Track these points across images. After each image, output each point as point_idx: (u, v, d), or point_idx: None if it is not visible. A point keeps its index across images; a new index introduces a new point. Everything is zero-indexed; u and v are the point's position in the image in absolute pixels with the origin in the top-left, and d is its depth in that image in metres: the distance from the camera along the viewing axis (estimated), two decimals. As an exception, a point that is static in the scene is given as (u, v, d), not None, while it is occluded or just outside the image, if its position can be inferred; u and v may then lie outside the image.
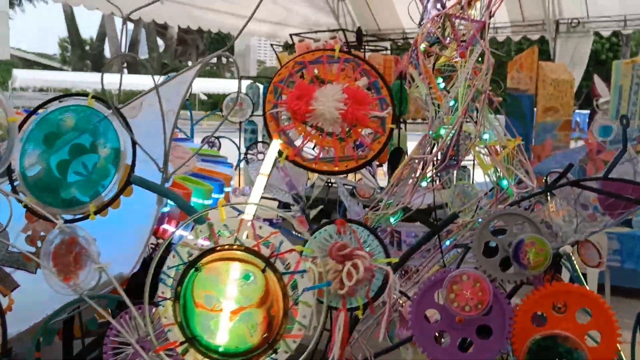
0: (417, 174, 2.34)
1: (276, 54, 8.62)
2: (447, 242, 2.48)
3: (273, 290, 1.70)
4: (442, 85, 2.54)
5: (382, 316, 1.89)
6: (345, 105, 1.87)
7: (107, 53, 51.08)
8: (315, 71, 2.08)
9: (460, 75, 2.33)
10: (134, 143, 2.04)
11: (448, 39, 2.60)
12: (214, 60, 64.42)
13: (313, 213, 3.13)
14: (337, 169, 2.00)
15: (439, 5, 2.83)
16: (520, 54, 7.13)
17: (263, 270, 1.69)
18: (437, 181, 2.96)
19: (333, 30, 7.94)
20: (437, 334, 1.96)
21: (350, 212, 2.70)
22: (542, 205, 2.17)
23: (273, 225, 3.39)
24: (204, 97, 39.89)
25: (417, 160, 2.33)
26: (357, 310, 1.92)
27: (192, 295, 1.71)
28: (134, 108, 2.35)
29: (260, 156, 3.69)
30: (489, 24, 2.78)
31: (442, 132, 2.29)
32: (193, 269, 1.71)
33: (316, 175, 3.25)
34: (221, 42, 50.61)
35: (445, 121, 2.34)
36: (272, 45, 9.56)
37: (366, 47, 8.29)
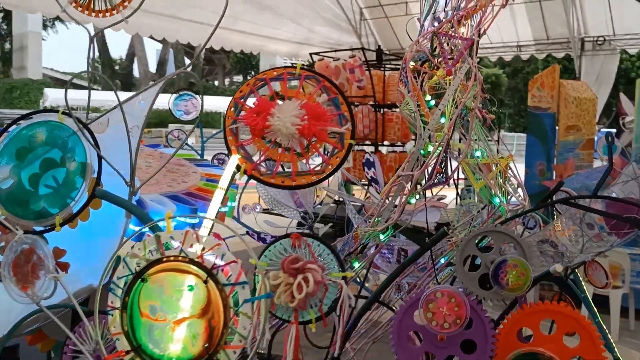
0: (406, 191, 2.31)
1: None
2: (443, 260, 2.44)
3: (214, 301, 1.74)
4: (433, 103, 2.51)
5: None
6: (303, 121, 1.88)
7: (136, 72, 52.23)
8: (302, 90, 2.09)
9: (447, 92, 2.31)
10: (99, 157, 2.13)
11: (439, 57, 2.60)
12: (240, 78, 65.35)
13: (322, 230, 3.12)
14: (294, 183, 2.01)
15: (436, 23, 2.82)
16: (540, 72, 7.04)
17: (205, 282, 1.73)
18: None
19: (353, 49, 7.96)
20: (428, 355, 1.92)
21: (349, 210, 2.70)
22: (548, 224, 2.11)
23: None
24: (229, 115, 40.30)
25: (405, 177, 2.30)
26: (310, 324, 1.93)
27: (139, 305, 1.77)
28: (101, 124, 2.41)
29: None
30: (478, 41, 2.76)
31: (431, 149, 2.26)
32: (139, 280, 1.76)
33: (325, 192, 3.25)
34: (247, 60, 51.34)
35: (434, 138, 2.32)
36: (292, 64, 9.62)
37: (386, 65, 8.29)
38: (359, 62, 7.35)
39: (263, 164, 2.10)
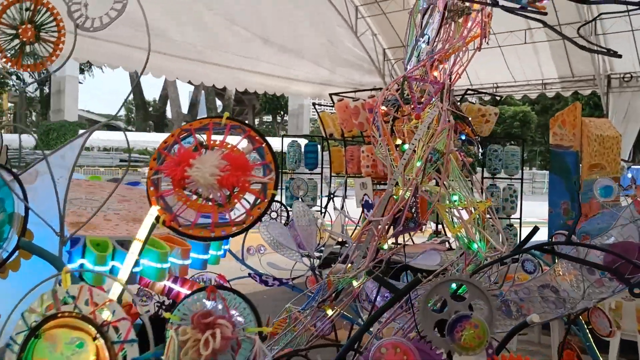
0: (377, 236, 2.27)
1: (317, 114, 8.78)
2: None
3: (103, 359, 1.71)
4: (406, 146, 2.49)
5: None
6: (224, 171, 1.86)
7: (169, 113, 53.59)
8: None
9: (414, 137, 2.29)
10: (26, 208, 2.16)
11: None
12: (270, 118, 66.42)
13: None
14: (213, 234, 1.96)
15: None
16: (561, 111, 6.95)
17: (94, 338, 1.71)
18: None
19: (372, 89, 8.03)
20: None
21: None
22: (549, 267, 2.04)
23: (283, 284, 3.36)
24: (258, 155, 40.89)
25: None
26: None
27: None
28: (31, 174, 2.49)
29: (273, 214, 3.70)
30: (450, 85, 2.74)
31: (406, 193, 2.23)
32: (33, 336, 1.75)
33: (327, 234, 3.22)
34: (276, 101, 52.20)
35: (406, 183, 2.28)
36: (314, 104, 9.75)
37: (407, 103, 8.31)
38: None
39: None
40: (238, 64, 11.13)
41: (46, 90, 42.71)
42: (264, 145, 2.02)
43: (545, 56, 12.94)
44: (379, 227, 2.27)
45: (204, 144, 1.96)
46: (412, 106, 2.84)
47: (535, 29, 12.44)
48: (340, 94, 8.08)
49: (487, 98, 12.96)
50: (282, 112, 58.50)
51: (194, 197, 1.95)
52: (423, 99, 3.00)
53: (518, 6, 2.45)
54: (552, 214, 6.80)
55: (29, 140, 37.37)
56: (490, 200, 2.43)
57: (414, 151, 2.47)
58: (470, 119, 4.01)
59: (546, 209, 6.91)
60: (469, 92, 8.33)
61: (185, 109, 53.31)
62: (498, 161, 7.95)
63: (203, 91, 51.87)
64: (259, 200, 1.97)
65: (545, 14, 2.57)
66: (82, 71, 43.90)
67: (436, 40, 3.51)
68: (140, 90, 50.58)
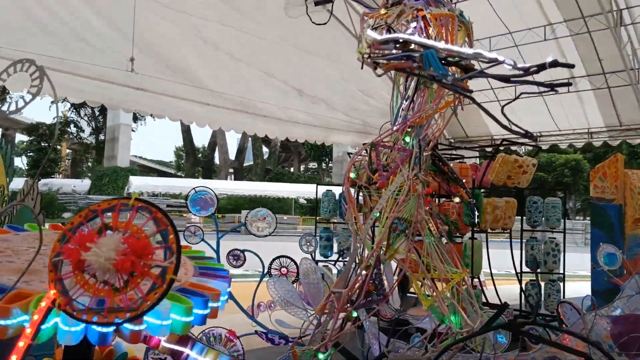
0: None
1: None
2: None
3: None
4: (377, 214, 2.45)
5: None
6: (123, 255, 1.82)
7: (217, 160, 54.86)
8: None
9: (376, 206, 2.25)
10: None
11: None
12: (314, 165, 66.97)
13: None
14: (107, 320, 1.90)
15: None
16: (602, 162, 6.74)
17: None
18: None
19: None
20: None
21: (368, 332, 2.58)
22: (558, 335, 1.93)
23: (290, 343, 3.30)
24: (303, 202, 41.19)
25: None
26: None
27: None
28: None
29: (283, 270, 3.69)
30: (419, 153, 2.70)
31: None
32: None
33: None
34: (321, 148, 52.72)
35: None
36: (349, 154, 9.80)
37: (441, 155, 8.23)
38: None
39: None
40: (278, 114, 11.38)
41: (102, 137, 44.62)
42: (168, 227, 1.98)
43: (590, 105, 12.68)
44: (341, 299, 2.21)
45: (110, 225, 1.96)
46: (377, 174, 2.83)
47: (579, 77, 12.25)
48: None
49: (521, 147, 12.73)
50: (327, 159, 58.94)
51: (93, 280, 1.92)
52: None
53: (449, 82, 2.47)
54: (594, 271, 6.51)
55: (83, 184, 38.90)
56: (466, 271, 2.35)
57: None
58: (464, 180, 3.94)
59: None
60: (504, 142, 8.18)
61: (232, 156, 54.49)
62: (538, 213, 7.71)
63: (250, 138, 53.02)
64: (156, 285, 1.91)
65: (470, 91, 2.59)
66: (135, 119, 45.78)
67: (410, 106, 3.53)
68: (190, 137, 52.10)
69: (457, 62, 2.62)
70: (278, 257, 3.61)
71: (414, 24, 3.77)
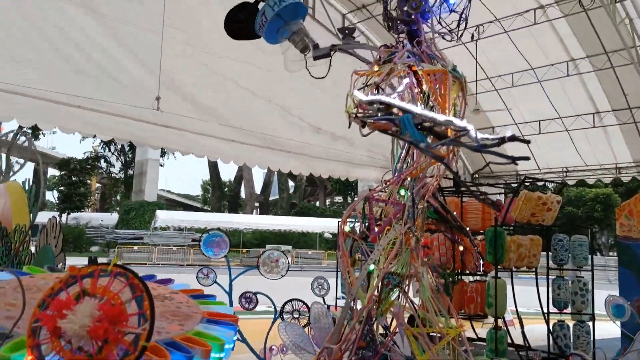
0: None
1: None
2: None
3: None
4: (372, 267, 2.43)
5: None
6: (98, 322, 1.82)
7: (243, 194, 55.26)
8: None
9: (367, 262, 2.23)
10: None
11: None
12: (340, 199, 66.81)
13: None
14: None
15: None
16: (628, 200, 6.59)
17: None
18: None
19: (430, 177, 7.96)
20: None
21: None
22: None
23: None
24: (328, 236, 41.02)
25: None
26: None
27: None
28: None
29: (295, 314, 3.66)
30: (412, 206, 2.67)
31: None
32: None
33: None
34: (347, 182, 52.77)
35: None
36: (370, 189, 9.77)
37: (464, 192, 8.18)
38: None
39: None
40: (300, 149, 11.47)
41: (130, 172, 45.48)
42: (143, 293, 2.00)
43: (617, 140, 12.50)
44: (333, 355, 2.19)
45: (88, 291, 1.97)
46: (370, 228, 2.83)
47: (604, 112, 12.13)
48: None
49: (546, 184, 12.56)
50: (352, 193, 58.92)
51: (68, 346, 1.93)
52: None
53: (423, 148, 2.49)
54: (624, 311, 6.30)
55: (111, 218, 39.51)
56: (462, 327, 2.31)
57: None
58: (468, 229, 3.89)
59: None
60: (527, 179, 8.09)
61: (258, 190, 54.83)
62: (564, 251, 7.55)
63: (275, 172, 53.47)
64: (128, 352, 1.92)
65: (442, 158, 2.61)
66: (163, 154, 46.63)
67: (407, 158, 3.54)
68: (217, 171, 52.72)
69: (431, 128, 2.66)
70: (290, 300, 3.58)
71: (406, 80, 3.80)
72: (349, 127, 3.09)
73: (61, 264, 4.63)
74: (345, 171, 12.86)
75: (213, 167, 51.49)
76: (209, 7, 9.40)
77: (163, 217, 33.13)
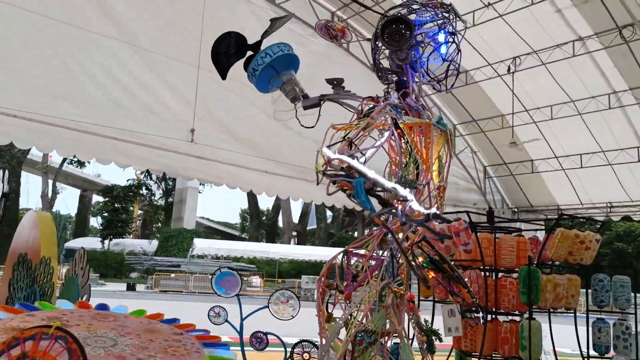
0: None
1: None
2: None
3: None
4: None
5: None
6: None
7: (281, 223, 55.41)
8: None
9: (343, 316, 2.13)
10: None
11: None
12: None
13: None
14: None
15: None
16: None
17: None
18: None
19: (457, 212, 7.79)
20: None
21: None
22: None
23: None
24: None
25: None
26: None
27: None
28: None
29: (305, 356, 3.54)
30: (392, 262, 2.55)
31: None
32: None
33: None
34: (384, 213, 52.22)
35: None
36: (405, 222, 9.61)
37: (497, 227, 7.94)
38: (464, 225, 7.11)
39: None
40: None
41: (171, 199, 46.35)
42: (80, 358, 1.97)
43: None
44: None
45: (27, 354, 1.94)
46: (346, 284, 2.74)
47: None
48: (428, 216, 7.91)
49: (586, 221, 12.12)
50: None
51: None
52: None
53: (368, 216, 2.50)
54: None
55: (151, 246, 40.16)
56: None
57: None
58: (466, 280, 3.72)
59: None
60: (563, 216, 7.80)
61: (296, 219, 54.89)
62: (605, 292, 7.20)
63: (314, 204, 53.42)
64: None
65: (389, 228, 2.53)
66: (202, 182, 47.43)
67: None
68: (255, 200, 53.13)
69: (378, 194, 2.62)
70: (300, 342, 3.49)
71: (387, 133, 3.73)
72: (317, 184, 3.05)
73: (86, 295, 4.67)
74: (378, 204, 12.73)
75: (251, 196, 51.93)
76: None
77: (200, 245, 33.44)
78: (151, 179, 46.65)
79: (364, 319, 2.40)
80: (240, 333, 3.52)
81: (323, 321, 2.37)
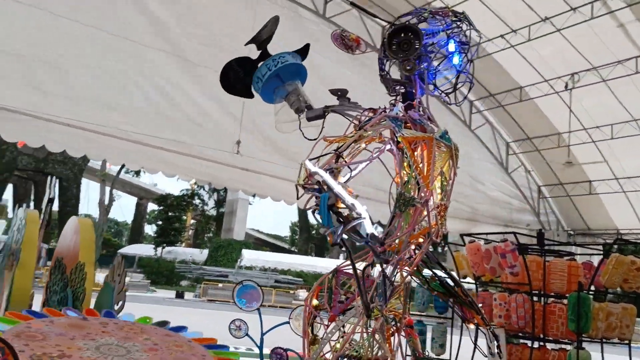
0: None
1: (451, 253, 8.35)
2: None
3: None
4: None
5: None
6: None
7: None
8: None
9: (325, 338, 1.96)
10: None
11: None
12: (430, 248, 64.94)
13: None
14: None
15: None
16: None
17: None
18: None
19: (504, 233, 7.48)
20: None
21: None
22: None
23: None
24: (414, 285, 39.83)
25: None
26: None
27: None
28: None
29: None
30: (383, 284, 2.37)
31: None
32: None
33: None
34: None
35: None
36: (448, 245, 9.35)
37: (547, 250, 7.56)
38: (511, 247, 6.81)
39: None
40: (379, 197, 11.25)
41: (222, 210, 47.06)
42: None
43: None
44: None
45: None
46: (332, 305, 2.59)
47: None
48: (473, 236, 7.65)
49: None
50: (441, 243, 57.11)
51: None
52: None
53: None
54: None
55: (202, 255, 40.84)
56: None
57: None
58: (480, 305, 3.43)
59: None
60: (619, 241, 7.35)
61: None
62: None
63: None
64: None
65: (341, 246, 2.43)
66: (253, 194, 47.87)
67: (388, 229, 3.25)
68: (305, 213, 53.27)
69: (338, 211, 2.45)
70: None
71: (387, 147, 3.54)
72: (297, 198, 2.91)
73: (121, 302, 4.70)
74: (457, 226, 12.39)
75: (302, 209, 52.10)
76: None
77: (249, 256, 33.69)
78: (204, 189, 47.58)
79: (347, 343, 2.27)
80: (260, 348, 3.45)
81: (308, 344, 2.26)
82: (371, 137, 3.40)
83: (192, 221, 54.68)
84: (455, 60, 3.64)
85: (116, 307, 4.53)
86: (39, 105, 7.68)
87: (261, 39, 3.67)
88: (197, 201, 49.57)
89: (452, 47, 3.61)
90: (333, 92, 3.71)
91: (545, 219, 13.97)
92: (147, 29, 8.73)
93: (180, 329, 3.04)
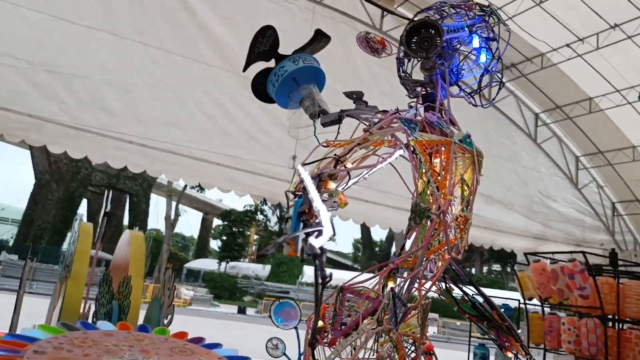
0: None
1: (515, 274, 7.91)
2: None
3: None
4: None
5: None
6: None
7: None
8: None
9: None
10: None
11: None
12: (499, 268, 62.53)
13: None
14: None
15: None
16: None
17: None
18: None
19: (572, 252, 6.99)
20: None
21: None
22: None
23: None
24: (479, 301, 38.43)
25: None
26: None
27: None
28: None
29: None
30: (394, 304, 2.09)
31: None
32: None
33: None
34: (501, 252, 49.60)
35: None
36: (512, 263, 8.87)
37: (621, 272, 7.01)
38: (580, 267, 6.34)
39: None
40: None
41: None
42: None
43: None
44: None
45: None
46: (334, 328, 2.37)
47: None
48: (538, 254, 7.21)
49: None
50: (511, 262, 55.16)
51: None
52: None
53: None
54: None
55: (264, 271, 41.24)
56: None
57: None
58: (519, 331, 3.01)
59: None
60: None
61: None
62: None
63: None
64: None
65: (303, 259, 2.16)
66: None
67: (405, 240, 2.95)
68: (368, 230, 52.79)
69: (304, 220, 2.20)
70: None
71: (400, 152, 3.25)
72: (288, 207, 2.68)
73: (170, 315, 4.68)
74: (490, 239, 11.92)
75: (365, 226, 51.79)
76: (349, 68, 9.53)
77: (310, 272, 33.67)
78: (267, 204, 48.20)
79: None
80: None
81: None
82: (379, 141, 3.16)
83: (256, 237, 55.42)
84: (482, 58, 3.36)
85: (165, 322, 4.52)
86: (103, 122, 7.96)
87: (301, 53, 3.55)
88: (260, 217, 50.25)
89: (476, 43, 3.33)
90: (348, 95, 3.51)
91: (621, 238, 13.10)
92: (208, 48, 8.92)
93: (214, 346, 2.94)
